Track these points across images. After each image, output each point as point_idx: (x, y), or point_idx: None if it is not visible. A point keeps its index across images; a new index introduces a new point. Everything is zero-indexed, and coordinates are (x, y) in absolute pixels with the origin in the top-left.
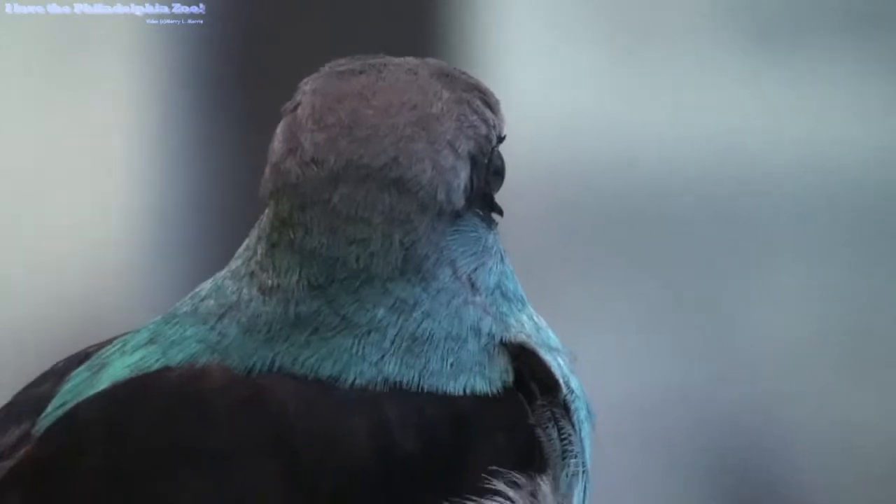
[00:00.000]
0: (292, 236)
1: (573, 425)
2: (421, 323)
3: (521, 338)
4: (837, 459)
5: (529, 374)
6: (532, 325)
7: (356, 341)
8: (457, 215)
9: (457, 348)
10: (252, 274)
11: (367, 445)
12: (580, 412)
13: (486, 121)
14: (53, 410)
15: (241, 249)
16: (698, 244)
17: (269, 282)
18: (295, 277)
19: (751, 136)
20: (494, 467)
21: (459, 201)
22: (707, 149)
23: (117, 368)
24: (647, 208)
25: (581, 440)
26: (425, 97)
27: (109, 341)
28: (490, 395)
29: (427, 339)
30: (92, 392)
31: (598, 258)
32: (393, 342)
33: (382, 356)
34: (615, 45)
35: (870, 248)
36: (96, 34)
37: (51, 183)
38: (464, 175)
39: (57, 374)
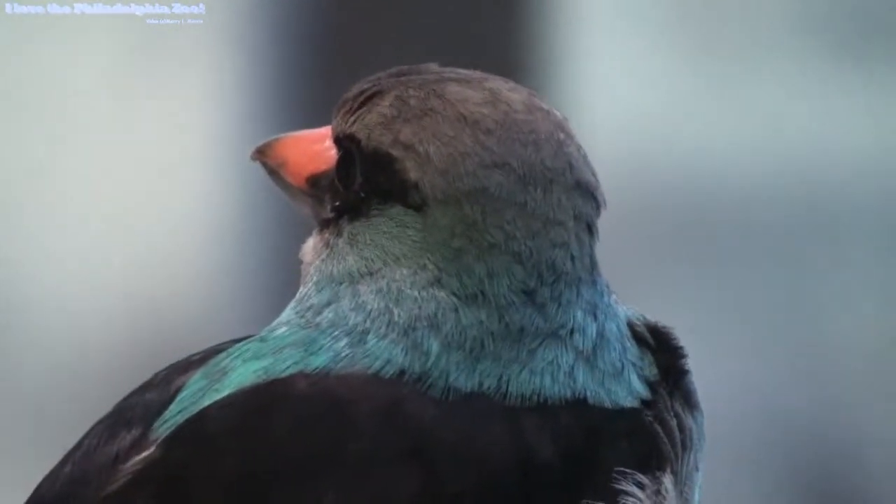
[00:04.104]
0: (491, 240)
1: (692, 408)
2: (604, 324)
3: (644, 319)
4: None
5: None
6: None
7: (558, 352)
8: None
9: (623, 347)
10: (439, 282)
11: (506, 455)
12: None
13: None
14: (172, 416)
15: (376, 264)
16: (781, 250)
17: (469, 289)
18: (506, 282)
19: (832, 141)
20: (621, 469)
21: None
22: (790, 155)
23: (244, 374)
24: (728, 213)
25: (700, 427)
26: (542, 101)
27: (216, 349)
28: (642, 391)
29: (607, 342)
30: (216, 397)
31: (680, 261)
32: (584, 349)
33: (573, 366)
34: (698, 53)
35: None
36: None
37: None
38: None
39: (161, 383)
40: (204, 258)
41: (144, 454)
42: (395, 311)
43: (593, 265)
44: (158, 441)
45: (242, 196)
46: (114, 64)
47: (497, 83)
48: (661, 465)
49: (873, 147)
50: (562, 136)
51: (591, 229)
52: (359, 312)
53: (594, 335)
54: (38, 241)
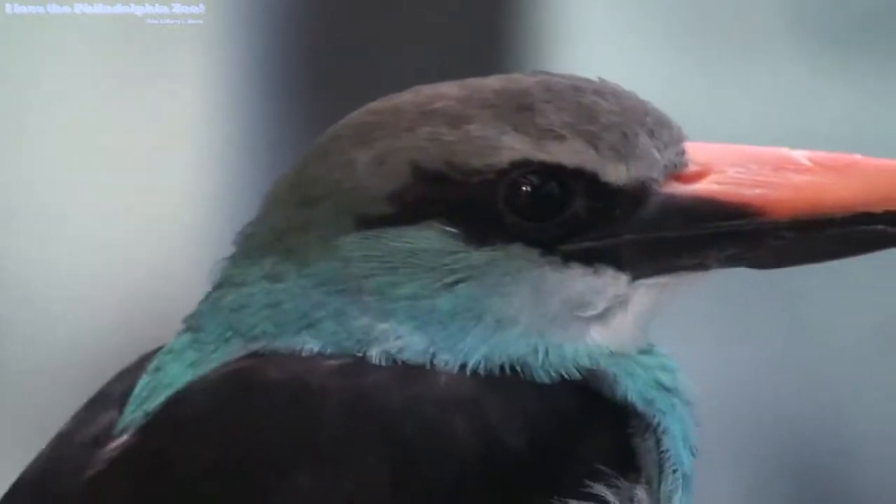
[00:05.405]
0: None
1: (660, 438)
2: None
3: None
4: None
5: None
6: None
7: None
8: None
9: None
10: None
11: (472, 441)
12: (672, 426)
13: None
14: (137, 396)
15: None
16: None
17: None
18: None
19: (827, 133)
20: (597, 467)
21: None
22: (785, 146)
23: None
24: None
25: (678, 452)
26: None
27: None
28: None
29: None
30: (179, 383)
31: None
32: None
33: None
34: (693, 43)
35: None
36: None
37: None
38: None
39: (136, 367)
40: (204, 256)
41: (121, 440)
42: None
43: None
44: (134, 425)
45: (242, 195)
46: (114, 64)
47: None
48: (638, 476)
49: (868, 138)
50: None
51: None
52: None
53: None
54: (43, 243)
